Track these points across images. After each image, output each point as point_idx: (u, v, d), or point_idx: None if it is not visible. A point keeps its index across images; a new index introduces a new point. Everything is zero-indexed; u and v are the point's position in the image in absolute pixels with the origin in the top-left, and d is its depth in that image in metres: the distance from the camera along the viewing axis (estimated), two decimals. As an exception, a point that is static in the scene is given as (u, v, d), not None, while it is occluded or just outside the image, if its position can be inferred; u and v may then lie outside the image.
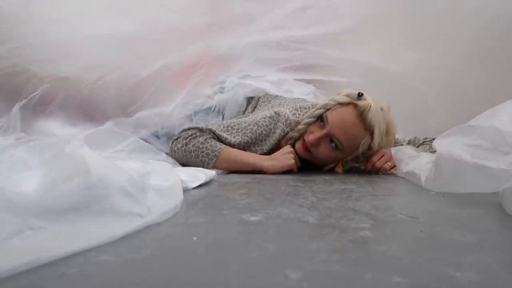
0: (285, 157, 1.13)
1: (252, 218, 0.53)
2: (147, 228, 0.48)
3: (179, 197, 0.64)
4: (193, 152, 1.12)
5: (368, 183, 0.94)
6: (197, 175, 0.85)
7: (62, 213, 0.45)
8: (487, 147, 0.69)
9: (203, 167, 1.07)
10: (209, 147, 1.12)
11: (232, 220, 0.53)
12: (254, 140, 1.19)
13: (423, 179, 0.84)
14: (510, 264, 0.37)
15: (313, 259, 0.37)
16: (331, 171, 1.24)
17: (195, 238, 0.44)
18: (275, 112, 1.23)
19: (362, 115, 1.13)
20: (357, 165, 1.22)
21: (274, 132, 1.20)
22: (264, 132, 1.20)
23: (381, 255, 0.39)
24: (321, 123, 1.17)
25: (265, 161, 1.13)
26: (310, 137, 1.16)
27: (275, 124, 1.21)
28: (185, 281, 0.32)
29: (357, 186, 0.87)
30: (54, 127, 1.23)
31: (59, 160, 0.48)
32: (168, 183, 0.66)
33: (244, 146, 1.18)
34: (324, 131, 1.15)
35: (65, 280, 0.32)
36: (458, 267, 0.35)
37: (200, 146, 1.12)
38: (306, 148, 1.18)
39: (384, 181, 1.00)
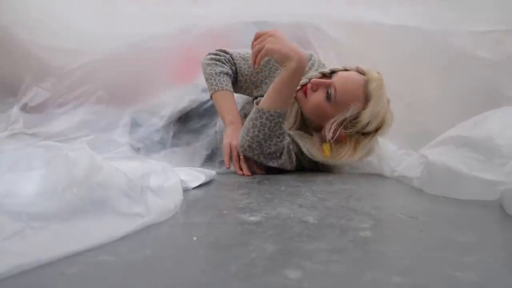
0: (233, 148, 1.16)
1: (252, 218, 0.53)
2: (147, 228, 0.48)
3: (179, 197, 0.64)
4: (206, 75, 1.29)
5: (368, 183, 0.94)
6: (197, 175, 0.85)
7: (62, 214, 0.45)
8: (480, 159, 0.69)
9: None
10: (214, 81, 1.26)
11: (232, 220, 0.53)
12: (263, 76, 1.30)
13: (415, 183, 0.84)
14: (510, 264, 0.37)
15: (313, 259, 0.37)
16: (331, 171, 1.24)
17: (195, 238, 0.44)
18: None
19: (368, 83, 1.12)
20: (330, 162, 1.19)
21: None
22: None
23: (381, 255, 0.39)
24: (329, 76, 1.18)
25: (228, 131, 1.20)
26: (313, 80, 1.16)
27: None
28: (185, 281, 0.32)
29: (357, 186, 0.87)
30: (57, 126, 1.23)
31: (61, 164, 0.49)
32: (168, 183, 0.67)
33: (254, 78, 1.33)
34: (328, 80, 1.15)
35: (65, 280, 0.32)
36: (458, 267, 0.35)
37: (211, 75, 1.27)
38: (304, 92, 1.18)
39: (384, 181, 1.00)
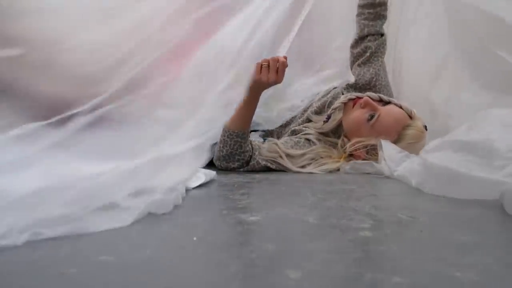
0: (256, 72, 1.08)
1: (252, 218, 0.53)
2: (147, 228, 0.48)
3: (181, 194, 0.64)
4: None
5: (368, 183, 0.94)
6: (197, 175, 0.85)
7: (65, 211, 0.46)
8: (479, 162, 0.69)
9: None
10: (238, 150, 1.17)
11: (232, 220, 0.53)
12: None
13: (415, 183, 0.84)
14: (510, 264, 0.37)
15: (313, 259, 0.37)
16: (331, 171, 1.24)
17: (195, 238, 0.44)
18: None
19: (406, 127, 1.19)
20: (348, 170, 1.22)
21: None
22: None
23: (381, 255, 0.39)
24: (384, 103, 1.25)
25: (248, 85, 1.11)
26: (367, 99, 1.22)
27: None
28: (185, 281, 0.32)
29: (357, 186, 0.87)
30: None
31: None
32: (171, 182, 0.67)
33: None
34: (379, 106, 1.22)
35: (65, 280, 0.32)
36: (458, 267, 0.35)
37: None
38: (354, 103, 1.25)
39: (384, 181, 1.00)
